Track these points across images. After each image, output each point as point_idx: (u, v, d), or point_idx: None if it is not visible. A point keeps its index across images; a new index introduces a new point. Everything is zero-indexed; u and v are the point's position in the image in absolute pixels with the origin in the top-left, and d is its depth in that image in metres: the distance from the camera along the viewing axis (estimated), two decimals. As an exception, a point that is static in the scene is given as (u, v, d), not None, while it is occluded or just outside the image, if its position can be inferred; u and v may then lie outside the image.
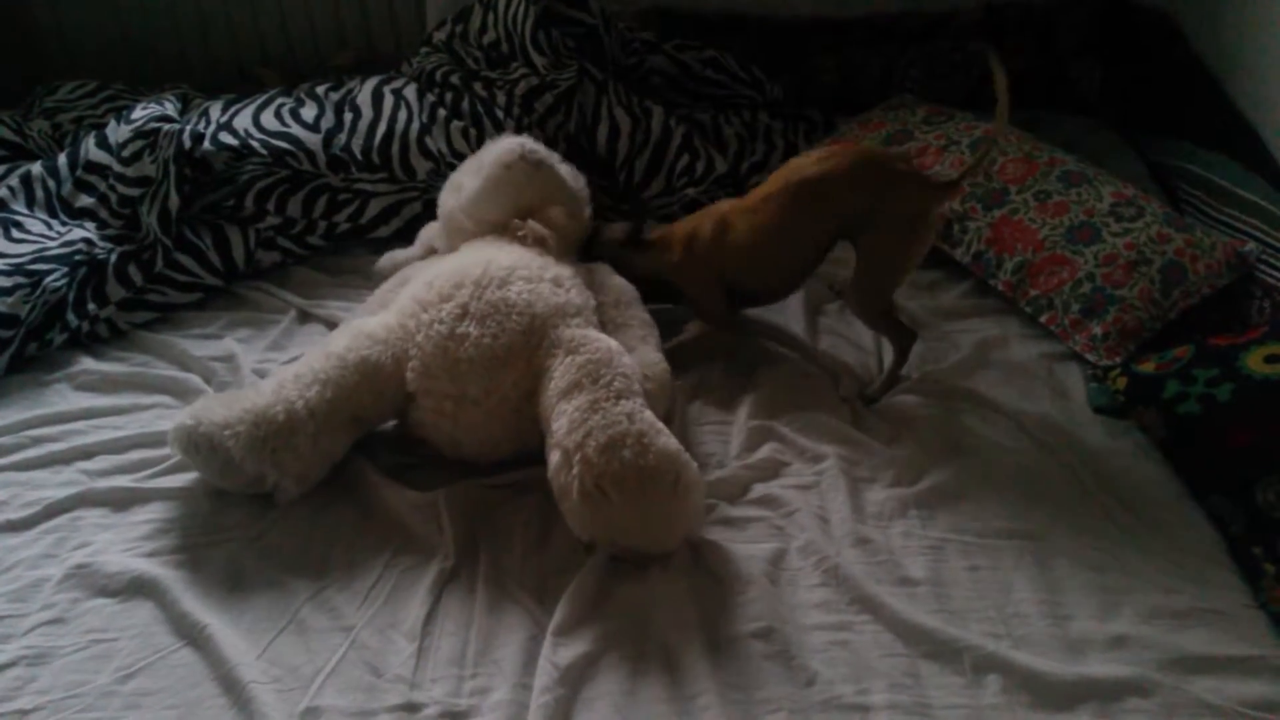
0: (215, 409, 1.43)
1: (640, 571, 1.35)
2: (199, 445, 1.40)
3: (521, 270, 1.56)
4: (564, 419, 1.36)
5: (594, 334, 1.50)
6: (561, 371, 1.43)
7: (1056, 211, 1.86)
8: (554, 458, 1.35)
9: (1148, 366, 1.62)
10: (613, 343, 1.49)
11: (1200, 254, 1.76)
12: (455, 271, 1.57)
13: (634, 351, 1.57)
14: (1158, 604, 1.30)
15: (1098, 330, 1.72)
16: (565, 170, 1.79)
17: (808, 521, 1.44)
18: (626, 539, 1.35)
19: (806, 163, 1.64)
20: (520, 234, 1.66)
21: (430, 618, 1.30)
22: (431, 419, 1.50)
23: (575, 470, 1.31)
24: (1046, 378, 1.72)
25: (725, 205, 1.77)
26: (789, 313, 1.89)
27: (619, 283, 1.75)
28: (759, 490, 1.50)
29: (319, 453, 1.45)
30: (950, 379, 1.71)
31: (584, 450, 1.31)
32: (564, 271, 1.62)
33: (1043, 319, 1.80)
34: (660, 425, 1.37)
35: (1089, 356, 1.72)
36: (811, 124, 2.37)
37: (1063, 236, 1.82)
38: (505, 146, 1.73)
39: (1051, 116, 2.36)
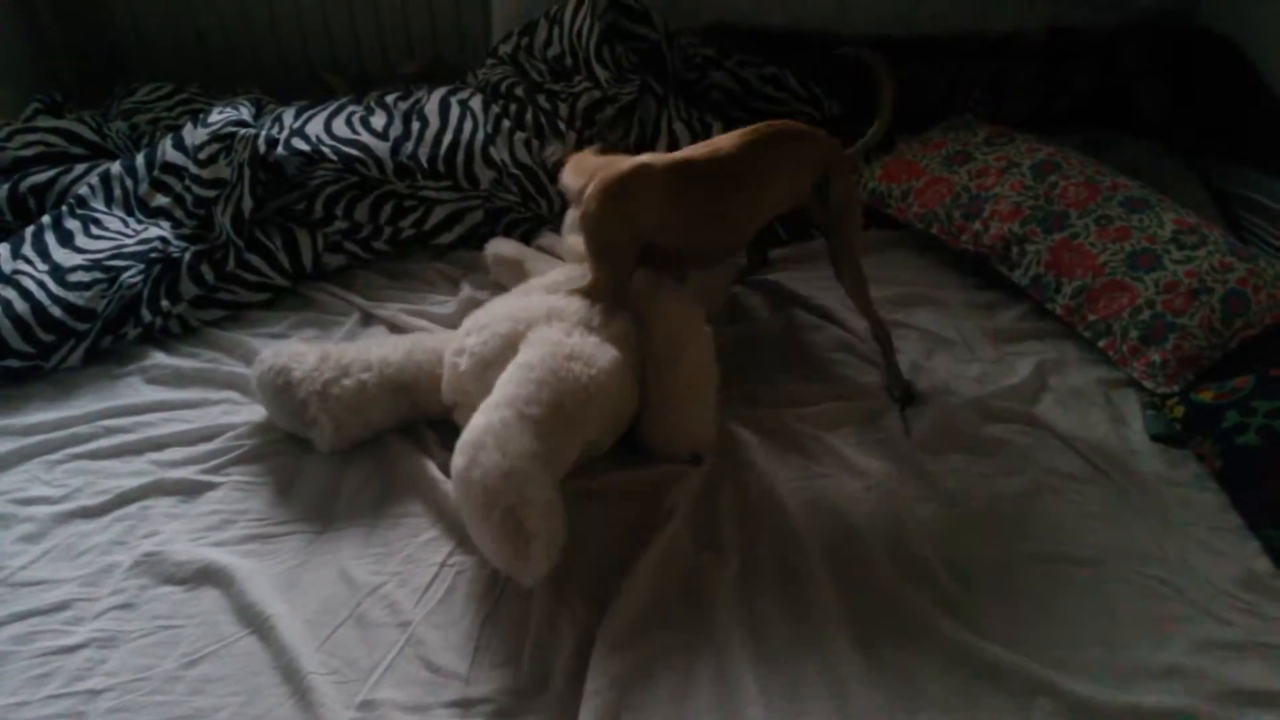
0: (297, 345, 1.61)
1: (692, 583, 1.36)
2: (272, 365, 1.55)
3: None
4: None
5: (557, 335, 1.47)
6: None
7: (1118, 237, 1.85)
8: None
9: (1206, 396, 1.61)
10: (572, 348, 1.45)
11: (1263, 284, 1.74)
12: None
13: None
14: (1211, 635, 1.29)
15: (1156, 358, 1.71)
16: None
17: (857, 537, 1.44)
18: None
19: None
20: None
21: (486, 617, 1.32)
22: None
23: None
24: (1103, 404, 1.72)
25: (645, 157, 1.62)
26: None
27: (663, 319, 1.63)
28: (808, 504, 1.51)
29: (363, 404, 1.53)
30: (1006, 402, 1.71)
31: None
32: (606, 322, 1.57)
33: (1101, 344, 1.80)
34: (514, 444, 1.29)
35: (1147, 384, 1.71)
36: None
37: (1123, 262, 1.81)
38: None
39: (1116, 140, 2.35)
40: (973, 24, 2.45)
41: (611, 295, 1.59)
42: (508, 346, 1.51)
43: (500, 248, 1.97)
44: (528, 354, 1.44)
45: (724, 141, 1.63)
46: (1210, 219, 1.94)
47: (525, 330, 1.51)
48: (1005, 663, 1.24)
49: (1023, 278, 1.94)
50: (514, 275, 1.89)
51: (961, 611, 1.33)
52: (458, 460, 1.29)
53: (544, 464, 1.32)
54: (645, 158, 1.60)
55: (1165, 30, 2.40)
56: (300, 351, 1.56)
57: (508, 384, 1.40)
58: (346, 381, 1.52)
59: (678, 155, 1.63)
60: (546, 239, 2.07)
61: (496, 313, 1.58)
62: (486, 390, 1.45)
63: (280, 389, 1.54)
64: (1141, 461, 1.59)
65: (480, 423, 1.33)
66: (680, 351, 1.55)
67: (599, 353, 1.48)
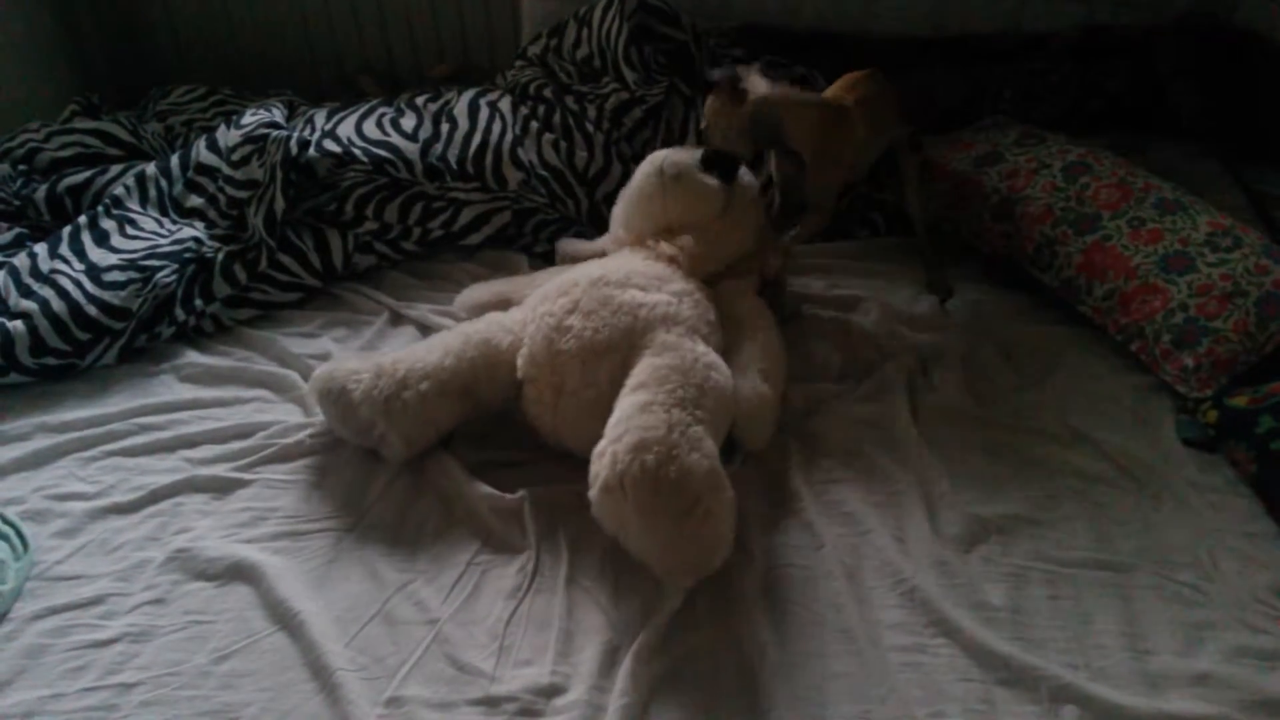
0: (350, 360, 1.59)
1: (721, 590, 1.36)
2: (330, 389, 1.54)
3: (638, 278, 1.61)
4: (618, 413, 1.39)
5: (688, 343, 1.51)
6: (639, 370, 1.45)
7: (1150, 239, 1.83)
8: (598, 446, 1.37)
9: (1240, 401, 1.58)
10: (707, 357, 1.49)
11: (1300, 287, 1.71)
12: (578, 272, 1.64)
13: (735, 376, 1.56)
14: (1243, 643, 1.28)
15: (1189, 362, 1.69)
16: (709, 182, 1.77)
17: (884, 541, 1.44)
18: (635, 546, 1.34)
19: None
20: (653, 250, 1.72)
21: (512, 616, 1.33)
22: (535, 409, 1.56)
23: (605, 460, 1.32)
24: (1135, 408, 1.70)
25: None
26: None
27: (743, 304, 1.74)
28: (836, 507, 1.51)
29: (427, 413, 1.52)
30: (1036, 405, 1.70)
31: (617, 445, 1.32)
32: (687, 287, 1.65)
33: (1133, 348, 1.78)
34: (705, 444, 1.34)
35: (1179, 388, 1.69)
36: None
37: (1156, 265, 1.79)
38: (650, 159, 1.81)
39: (1150, 141, 2.32)
40: (1003, 23, 2.43)
41: (830, 205, 1.85)
42: (622, 341, 1.51)
43: (472, 296, 1.90)
44: (669, 358, 1.45)
45: (851, 87, 1.86)
46: (1246, 221, 1.91)
47: (644, 330, 1.52)
48: (1031, 668, 1.23)
49: (1054, 280, 1.92)
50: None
51: (986, 616, 1.32)
52: (645, 459, 1.28)
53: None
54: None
55: (1201, 29, 2.37)
56: (354, 370, 1.55)
57: (661, 385, 1.40)
58: (407, 394, 1.51)
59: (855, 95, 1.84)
60: (570, 245, 2.06)
61: (594, 295, 1.56)
62: (588, 378, 1.49)
63: (343, 411, 1.54)
64: (1173, 467, 1.57)
65: (657, 420, 1.33)
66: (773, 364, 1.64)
67: (724, 365, 1.53)
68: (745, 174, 1.85)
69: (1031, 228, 1.96)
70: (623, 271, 1.62)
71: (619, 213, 1.86)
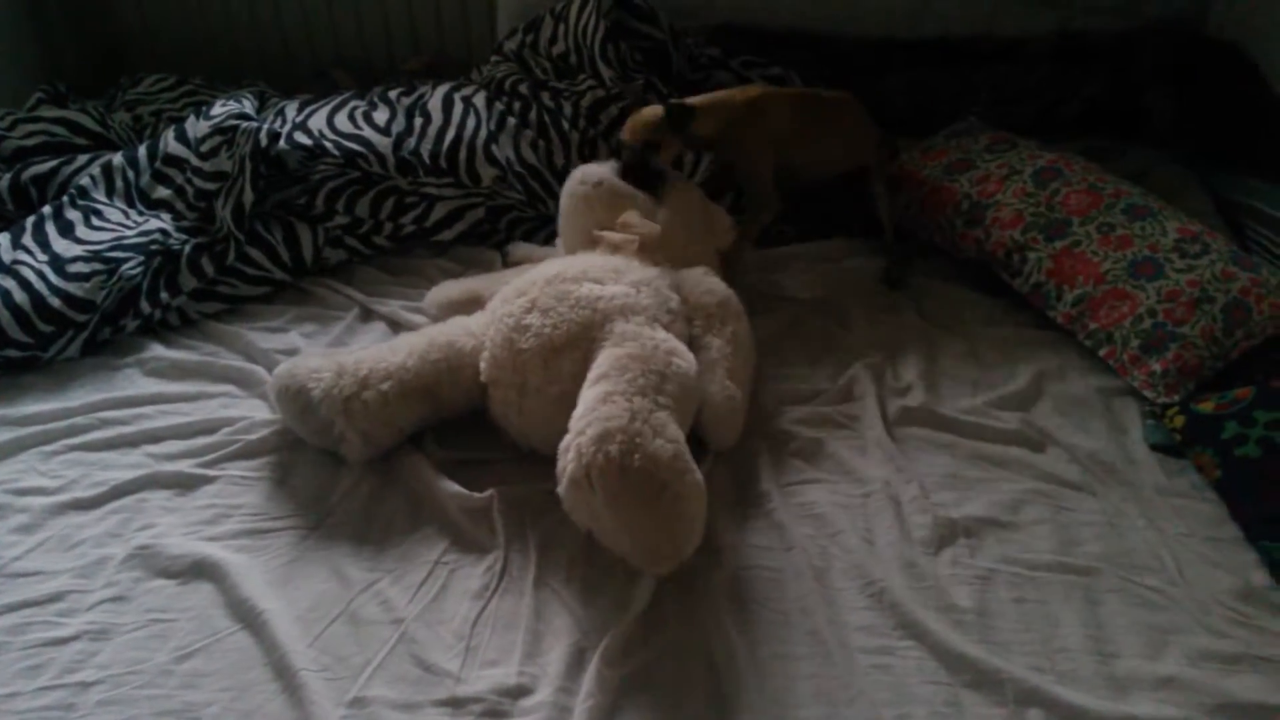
0: (312, 359, 1.57)
1: (689, 590, 1.35)
2: (290, 386, 1.52)
3: (594, 271, 1.60)
4: (581, 406, 1.38)
5: (648, 331, 1.50)
6: (599, 362, 1.44)
7: (1120, 245, 1.84)
8: (563, 441, 1.36)
9: (1207, 406, 1.60)
10: (668, 344, 1.48)
11: (1266, 293, 1.73)
12: (536, 271, 1.64)
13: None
14: (1207, 647, 1.29)
15: (1157, 367, 1.70)
16: (621, 186, 1.82)
17: (854, 543, 1.44)
18: (608, 540, 1.34)
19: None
20: (601, 247, 1.71)
21: (479, 617, 1.32)
22: (501, 410, 1.56)
23: (570, 454, 1.32)
24: (1103, 412, 1.71)
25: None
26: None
27: (710, 293, 1.70)
28: (805, 508, 1.51)
29: (388, 414, 1.51)
30: (1005, 409, 1.71)
31: (581, 438, 1.31)
32: (645, 276, 1.64)
33: (1101, 353, 1.79)
34: (669, 429, 1.33)
35: (1147, 393, 1.71)
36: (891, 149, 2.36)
37: (1125, 270, 1.80)
38: (571, 175, 1.84)
39: (1122, 146, 2.34)
40: (981, 27, 2.44)
41: (769, 195, 1.93)
42: (582, 335, 1.50)
43: (442, 294, 1.88)
44: (629, 348, 1.44)
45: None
46: (1214, 228, 1.93)
47: (603, 321, 1.50)
48: (998, 671, 1.24)
49: (1024, 285, 1.93)
50: (467, 312, 1.75)
51: (954, 618, 1.32)
52: (609, 449, 1.27)
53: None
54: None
55: (1174, 37, 2.39)
56: (315, 368, 1.53)
57: (622, 374, 1.39)
58: (367, 395, 1.50)
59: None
60: (520, 249, 2.07)
61: (551, 292, 1.55)
62: (551, 375, 1.48)
63: (302, 409, 1.52)
64: (1140, 471, 1.59)
65: (619, 410, 1.32)
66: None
67: (686, 350, 1.51)
68: (671, 172, 1.89)
69: (1002, 233, 1.97)
70: (579, 267, 1.62)
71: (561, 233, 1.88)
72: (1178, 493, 1.55)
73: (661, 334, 1.51)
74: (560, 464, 1.34)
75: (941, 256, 2.14)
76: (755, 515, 1.49)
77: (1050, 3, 2.40)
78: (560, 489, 1.33)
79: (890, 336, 1.89)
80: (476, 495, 1.48)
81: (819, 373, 1.80)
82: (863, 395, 1.73)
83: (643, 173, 1.84)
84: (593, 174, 1.82)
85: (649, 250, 1.72)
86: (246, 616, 1.31)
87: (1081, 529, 1.48)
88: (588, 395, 1.39)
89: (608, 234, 1.73)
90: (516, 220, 2.15)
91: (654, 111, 1.85)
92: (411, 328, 1.87)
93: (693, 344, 1.61)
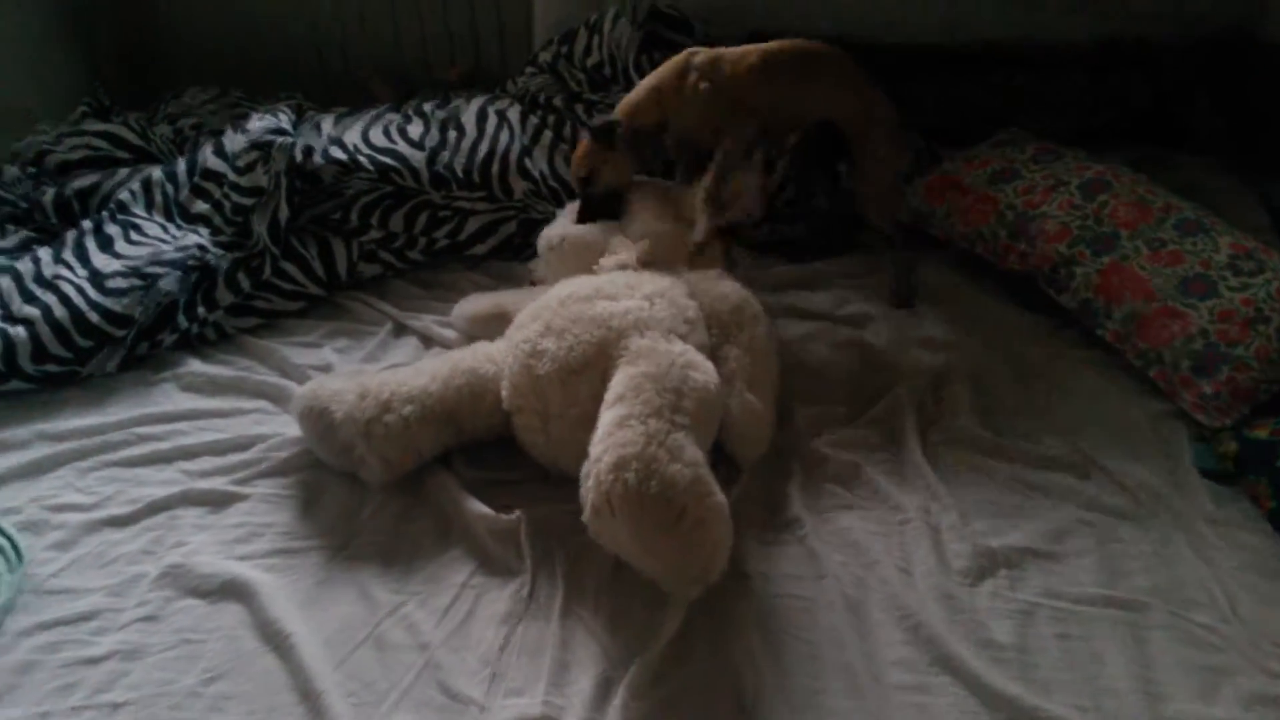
0: (335, 380, 1.57)
1: (718, 619, 1.33)
2: (312, 408, 1.52)
3: (608, 287, 1.58)
4: (598, 431, 1.36)
5: (664, 346, 1.46)
6: (615, 382, 1.42)
7: (1170, 261, 1.78)
8: (583, 468, 1.34)
9: (1261, 432, 1.54)
10: (684, 357, 1.45)
11: (1325, 314, 1.66)
12: (547, 295, 1.62)
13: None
14: (1261, 689, 1.23)
15: (1209, 389, 1.64)
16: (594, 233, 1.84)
17: (889, 572, 1.40)
18: (636, 563, 1.32)
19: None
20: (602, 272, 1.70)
21: (505, 643, 1.30)
22: (527, 437, 1.54)
23: (590, 483, 1.30)
24: (1151, 437, 1.65)
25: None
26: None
27: (724, 299, 1.67)
28: (839, 535, 1.47)
29: (409, 439, 1.50)
30: (1049, 432, 1.66)
31: (598, 465, 1.29)
32: (661, 285, 1.61)
33: (1151, 373, 1.73)
34: (686, 452, 1.30)
35: (1198, 417, 1.65)
36: (915, 151, 2.32)
37: (1176, 288, 1.74)
38: (539, 241, 1.89)
39: (1169, 157, 2.27)
40: (1019, 34, 2.38)
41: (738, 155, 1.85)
42: (599, 355, 1.48)
43: (470, 307, 1.87)
44: (644, 366, 1.41)
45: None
46: (1269, 243, 1.86)
47: (618, 339, 1.48)
48: (1037, 711, 1.19)
49: (1070, 301, 1.88)
50: (494, 327, 1.75)
51: (993, 655, 1.28)
52: (626, 477, 1.25)
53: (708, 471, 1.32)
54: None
55: (1222, 43, 2.31)
56: (338, 390, 1.53)
57: (637, 396, 1.36)
58: (389, 418, 1.49)
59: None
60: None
61: (564, 314, 1.54)
62: (570, 398, 1.46)
63: (323, 432, 1.52)
64: (1190, 499, 1.53)
65: (634, 435, 1.30)
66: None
67: (705, 361, 1.48)
68: (628, 181, 1.89)
69: (1047, 246, 1.92)
70: (592, 284, 1.60)
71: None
72: (1229, 523, 1.49)
73: (679, 346, 1.47)
74: (582, 491, 1.32)
75: (982, 271, 2.08)
76: (787, 541, 1.46)
77: (1091, 9, 2.33)
78: (584, 517, 1.32)
79: (929, 354, 1.85)
80: (504, 517, 1.47)
81: (854, 392, 1.76)
82: (900, 416, 1.68)
83: (598, 204, 1.84)
84: (553, 234, 1.85)
85: (655, 261, 1.71)
86: (274, 638, 1.30)
87: (1128, 561, 1.42)
88: (604, 419, 1.37)
89: (604, 263, 1.72)
90: (551, 233, 2.14)
91: (581, 144, 1.85)
92: (443, 343, 1.87)
93: (712, 353, 1.58)
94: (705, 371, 1.46)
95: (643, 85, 1.87)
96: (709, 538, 1.28)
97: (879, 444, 1.64)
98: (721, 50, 1.87)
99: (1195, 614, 1.34)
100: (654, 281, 1.62)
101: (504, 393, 1.55)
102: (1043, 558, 1.43)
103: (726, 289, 1.70)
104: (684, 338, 1.53)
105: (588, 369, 1.47)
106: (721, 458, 1.52)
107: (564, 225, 1.87)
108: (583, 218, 1.85)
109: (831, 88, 1.90)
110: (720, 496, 1.30)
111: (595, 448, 1.32)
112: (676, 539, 1.26)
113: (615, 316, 1.51)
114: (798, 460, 1.61)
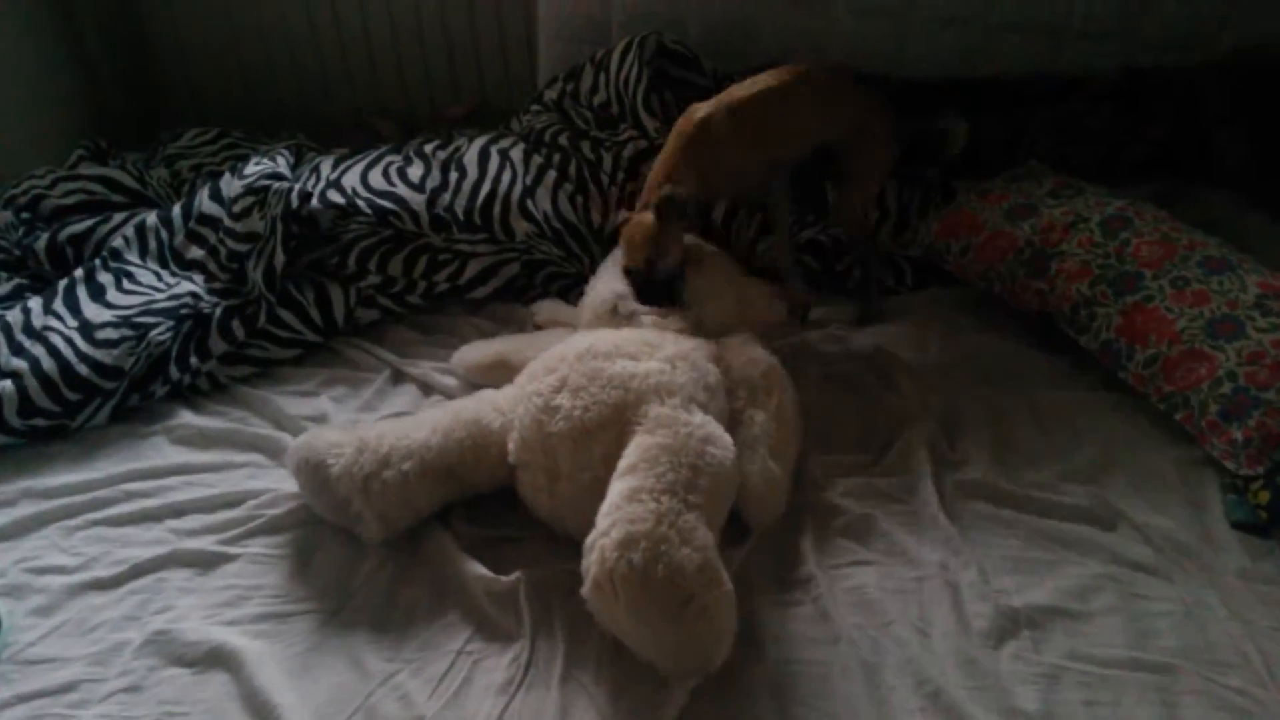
0: (333, 431, 1.52)
1: (728, 688, 1.26)
2: (308, 460, 1.47)
3: (628, 345, 1.53)
4: (608, 501, 1.30)
5: (683, 416, 1.42)
6: (630, 450, 1.37)
7: (1196, 301, 1.72)
8: (589, 538, 1.28)
9: (1296, 481, 1.47)
10: (703, 430, 1.40)
11: (1360, 355, 1.59)
12: (566, 346, 1.57)
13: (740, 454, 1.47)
14: (1302, 760, 1.16)
15: (1239, 435, 1.57)
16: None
17: (907, 634, 1.33)
18: (633, 644, 1.26)
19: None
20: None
21: (503, 713, 1.24)
22: (531, 494, 1.49)
23: (594, 556, 1.24)
24: (1179, 486, 1.58)
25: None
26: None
27: (754, 363, 1.64)
28: (854, 594, 1.41)
29: (407, 495, 1.45)
30: (1072, 482, 1.59)
31: (605, 539, 1.24)
32: (684, 348, 1.57)
33: (1177, 418, 1.66)
34: (697, 535, 1.25)
35: (1228, 464, 1.58)
36: (929, 186, 2.27)
37: (1202, 329, 1.68)
38: (589, 297, 1.80)
39: (1194, 191, 2.20)
40: (1040, 64, 2.33)
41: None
42: (615, 417, 1.43)
43: (470, 356, 1.83)
44: (661, 436, 1.37)
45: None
46: (1300, 282, 1.79)
47: (637, 403, 1.43)
48: (1067, 790, 1.12)
49: (1091, 342, 1.81)
50: (495, 375, 1.73)
51: (1019, 725, 1.21)
52: (632, 557, 1.20)
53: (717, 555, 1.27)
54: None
55: (1252, 72, 2.25)
56: (335, 443, 1.47)
57: (651, 469, 1.31)
58: (388, 474, 1.44)
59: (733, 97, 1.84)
60: (546, 308, 2.00)
61: (582, 369, 1.49)
62: (582, 461, 1.41)
63: (319, 486, 1.47)
64: (1221, 553, 1.46)
65: (645, 512, 1.25)
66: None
67: (724, 435, 1.43)
68: (691, 251, 1.84)
69: (1068, 286, 1.86)
70: (611, 341, 1.55)
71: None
72: (1264, 578, 1.41)
73: (698, 418, 1.42)
74: (585, 562, 1.26)
75: (999, 311, 2.02)
76: (800, 601, 1.40)
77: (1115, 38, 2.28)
78: (584, 591, 1.26)
79: (944, 399, 1.78)
80: (503, 579, 1.41)
81: (868, 440, 1.70)
82: (916, 465, 1.62)
83: (658, 288, 1.76)
84: (606, 295, 1.77)
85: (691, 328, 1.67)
86: (261, 710, 1.25)
87: (1157, 620, 1.35)
88: (615, 489, 1.31)
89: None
90: (553, 275, 2.09)
91: (642, 223, 1.76)
92: (443, 390, 1.82)
93: (734, 418, 1.53)
94: (723, 446, 1.41)
95: (664, 155, 1.83)
96: (712, 628, 1.22)
97: (893, 495, 1.58)
98: (719, 96, 1.85)
99: (1228, 677, 1.27)
100: (676, 343, 1.58)
101: (510, 445, 1.50)
102: (1067, 617, 1.36)
103: (757, 353, 1.66)
104: (704, 406, 1.48)
105: (602, 431, 1.42)
106: (732, 516, 1.46)
107: (614, 282, 1.78)
108: (646, 301, 1.76)
109: (834, 105, 1.91)
110: (728, 585, 1.25)
111: (603, 519, 1.27)
112: (678, 626, 1.20)
113: (635, 378, 1.46)
114: (809, 513, 1.54)
